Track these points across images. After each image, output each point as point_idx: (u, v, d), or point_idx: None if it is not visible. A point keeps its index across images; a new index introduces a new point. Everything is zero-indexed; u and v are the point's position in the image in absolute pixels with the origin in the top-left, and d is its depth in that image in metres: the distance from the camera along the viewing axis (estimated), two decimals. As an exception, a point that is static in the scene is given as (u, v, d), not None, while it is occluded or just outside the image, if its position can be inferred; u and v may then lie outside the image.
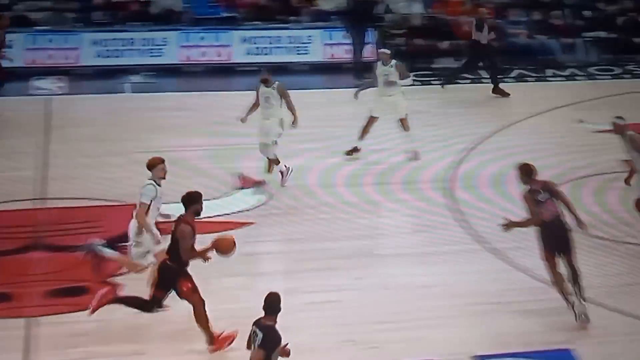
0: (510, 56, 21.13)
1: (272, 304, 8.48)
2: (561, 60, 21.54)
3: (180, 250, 10.13)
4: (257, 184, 14.49)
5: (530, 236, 12.64)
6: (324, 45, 21.46)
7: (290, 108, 14.47)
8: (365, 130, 15.72)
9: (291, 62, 20.90)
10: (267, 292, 8.60)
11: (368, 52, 20.86)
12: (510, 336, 10.82)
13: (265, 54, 21.03)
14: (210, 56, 21.05)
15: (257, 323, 8.55)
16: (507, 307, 11.45)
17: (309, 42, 21.42)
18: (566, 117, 17.74)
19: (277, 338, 8.43)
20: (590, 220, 13.10)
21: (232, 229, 12.85)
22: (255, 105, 14.57)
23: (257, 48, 21.16)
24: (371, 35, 21.26)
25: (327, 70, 21.07)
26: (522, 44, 21.40)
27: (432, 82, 20.08)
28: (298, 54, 21.24)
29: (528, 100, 18.70)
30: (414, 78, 20.08)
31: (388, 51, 16.18)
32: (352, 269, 12.34)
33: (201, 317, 10.25)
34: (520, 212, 13.41)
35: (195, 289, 10.23)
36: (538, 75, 20.78)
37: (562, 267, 11.01)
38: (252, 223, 13.58)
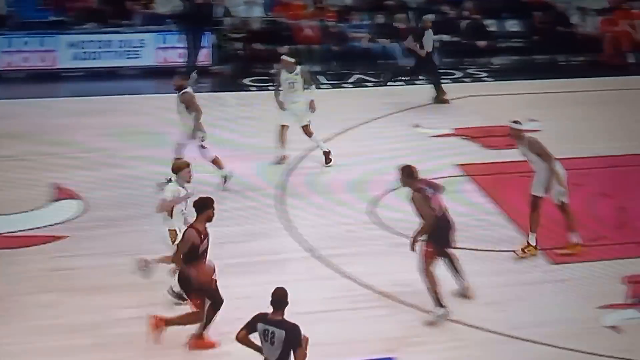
0: (349, 61, 21.15)
1: (281, 299, 8.62)
2: (402, 65, 21.62)
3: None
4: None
5: (355, 243, 12.62)
6: (157, 49, 21.11)
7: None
8: (282, 140, 15.67)
9: (121, 67, 20.45)
10: (274, 288, 8.72)
11: (203, 56, 20.57)
12: (334, 346, 10.66)
13: (94, 59, 20.60)
14: (34, 62, 20.49)
15: (266, 320, 8.60)
16: (331, 315, 11.31)
17: (141, 46, 21.05)
18: (404, 122, 17.80)
19: (300, 331, 8.59)
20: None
21: (42, 242, 12.29)
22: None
23: (85, 53, 20.67)
24: (207, 39, 20.97)
25: (159, 75, 20.64)
26: (363, 48, 21.36)
27: (270, 87, 19.79)
28: (128, 58, 20.82)
29: (366, 106, 18.64)
30: (250, 83, 20.05)
31: (292, 59, 16.08)
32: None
33: (189, 318, 10.41)
34: (346, 219, 13.43)
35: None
36: (377, 80, 20.86)
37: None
38: (65, 237, 13.02)
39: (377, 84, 20.66)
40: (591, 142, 16.97)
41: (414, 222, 13.72)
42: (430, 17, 20.04)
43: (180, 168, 11.45)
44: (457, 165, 15.60)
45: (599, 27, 23.21)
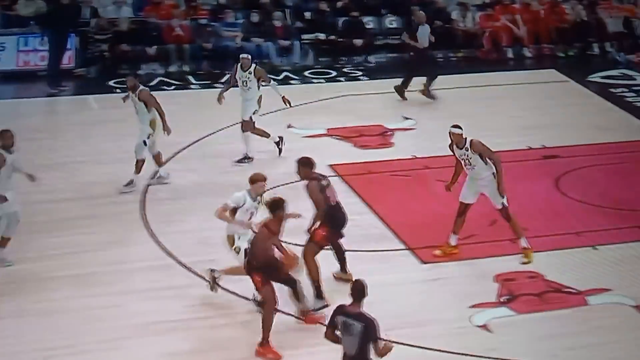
0: (221, 61, 21.02)
1: (360, 290, 8.81)
2: (276, 64, 21.63)
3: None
4: None
5: (216, 249, 12.48)
6: (18, 52, 20.64)
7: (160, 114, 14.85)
8: (261, 135, 16.18)
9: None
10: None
11: (66, 58, 20.20)
12: (194, 355, 10.59)
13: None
14: None
15: (345, 313, 8.79)
16: (186, 324, 11.20)
17: (1, 50, 20.55)
18: (278, 123, 17.61)
19: (377, 325, 8.73)
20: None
21: None
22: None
23: None
24: (72, 41, 20.58)
25: (19, 79, 20.28)
26: (236, 47, 21.25)
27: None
28: (-13, 61, 20.36)
29: (238, 106, 18.46)
30: (116, 85, 19.73)
31: (248, 56, 16.38)
32: (13, 295, 11.76)
33: (269, 314, 10.69)
34: (209, 224, 13.26)
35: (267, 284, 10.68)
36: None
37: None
38: None
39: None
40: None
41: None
42: (421, 13, 20.14)
43: (255, 180, 11.44)
44: (329, 165, 15.56)
45: (479, 22, 23.47)
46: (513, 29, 23.22)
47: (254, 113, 16.15)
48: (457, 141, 12.99)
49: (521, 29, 23.31)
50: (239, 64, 16.24)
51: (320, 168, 14.93)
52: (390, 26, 23.38)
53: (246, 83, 16.10)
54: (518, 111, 18.85)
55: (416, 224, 13.88)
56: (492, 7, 23.87)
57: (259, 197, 11.45)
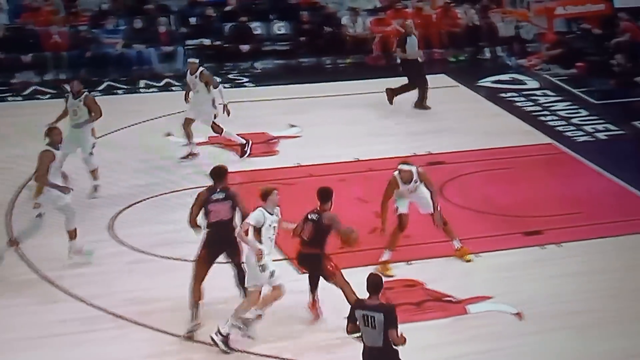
0: (101, 68, 20.92)
1: (376, 283, 9.23)
2: (158, 71, 21.56)
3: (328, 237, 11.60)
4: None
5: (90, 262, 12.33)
6: None
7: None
8: (187, 133, 16.47)
9: None
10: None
11: None
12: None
13: None
14: None
15: (364, 306, 9.12)
16: (59, 340, 11.11)
17: None
18: (157, 131, 17.64)
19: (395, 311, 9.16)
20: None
21: None
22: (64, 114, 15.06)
23: None
24: None
25: None
26: (116, 54, 21.04)
27: (9, 98, 19.32)
28: None
29: (116, 113, 18.24)
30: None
31: (196, 60, 16.77)
32: None
33: (351, 295, 11.25)
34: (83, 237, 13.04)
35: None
36: (129, 87, 20.67)
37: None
38: None
39: (128, 91, 20.40)
40: (354, 145, 17.25)
41: (153, 236, 13.64)
42: (410, 22, 20.30)
43: (268, 193, 11.41)
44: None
45: (370, 27, 23.60)
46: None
47: (214, 117, 16.43)
48: (406, 179, 13.07)
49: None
50: (188, 69, 16.55)
51: (201, 178, 15.09)
52: (279, 32, 23.40)
53: (195, 86, 16.34)
54: (406, 117, 19.04)
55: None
56: (384, 11, 24.03)
57: (276, 209, 11.44)
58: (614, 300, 12.39)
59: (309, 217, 11.69)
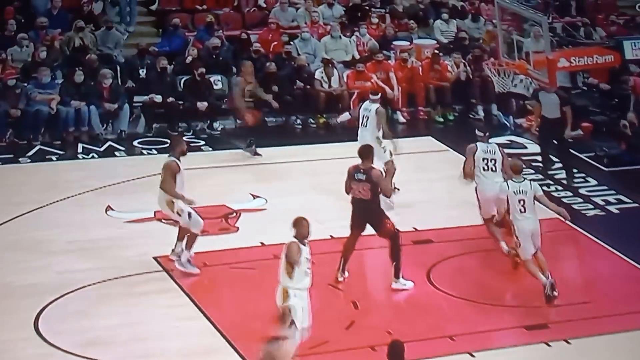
0: (31, 129, 20.51)
1: (400, 353, 10.31)
2: (98, 132, 21.07)
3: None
4: None
5: None
6: None
7: None
8: None
9: None
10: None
11: None
12: None
13: None
14: None
15: None
16: None
17: None
18: (96, 204, 17.18)
19: None
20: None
21: None
22: None
23: None
24: None
25: None
26: (49, 113, 20.63)
27: None
28: None
29: (49, 183, 17.92)
30: None
31: None
32: None
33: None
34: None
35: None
36: (63, 152, 20.23)
37: None
38: None
39: (63, 157, 19.94)
40: (327, 220, 16.51)
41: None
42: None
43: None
44: (154, 257, 15.11)
45: (346, 82, 23.18)
46: (386, 89, 22.96)
47: None
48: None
49: (395, 89, 23.14)
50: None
51: (141, 263, 14.74)
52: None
53: None
54: (387, 187, 18.52)
55: (258, 329, 13.14)
56: (363, 63, 23.61)
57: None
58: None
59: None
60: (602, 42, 24.96)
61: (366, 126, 17.67)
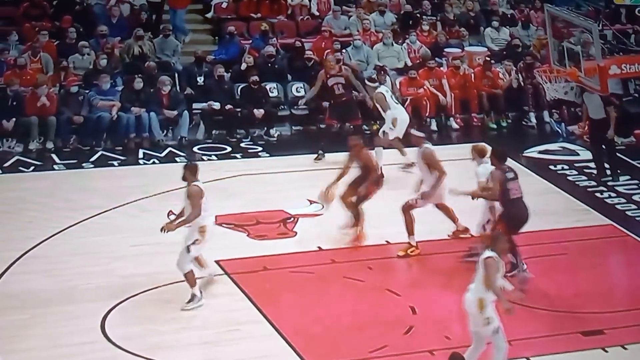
0: (93, 136, 20.69)
1: None
2: (159, 138, 21.15)
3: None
4: None
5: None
6: None
7: None
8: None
9: None
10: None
11: None
12: None
13: None
14: None
15: None
16: None
17: None
18: (154, 209, 17.12)
19: None
20: None
21: None
22: None
23: None
24: None
25: None
26: (110, 120, 20.79)
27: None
28: None
29: (112, 188, 18.03)
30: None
31: None
32: None
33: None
34: None
35: None
36: (125, 157, 20.30)
37: None
38: None
39: (124, 163, 20.05)
40: (384, 226, 16.57)
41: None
42: None
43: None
44: (215, 261, 15.03)
45: (399, 89, 23.12)
46: (439, 96, 22.94)
47: None
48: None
49: (448, 96, 23.10)
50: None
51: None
52: (297, 94, 22.90)
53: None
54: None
55: (319, 334, 13.34)
56: (416, 70, 23.54)
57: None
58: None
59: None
60: (653, 49, 24.78)
61: None
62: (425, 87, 23.09)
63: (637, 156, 20.78)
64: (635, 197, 18.74)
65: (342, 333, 13.32)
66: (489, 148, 15.51)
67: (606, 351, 13.18)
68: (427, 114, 22.82)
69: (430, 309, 14.09)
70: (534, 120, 23.34)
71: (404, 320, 13.64)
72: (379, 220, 16.75)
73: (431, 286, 14.95)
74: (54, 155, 20.20)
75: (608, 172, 19.56)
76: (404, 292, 14.54)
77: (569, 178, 19.67)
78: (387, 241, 16.22)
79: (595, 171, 19.83)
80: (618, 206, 18.28)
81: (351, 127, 20.53)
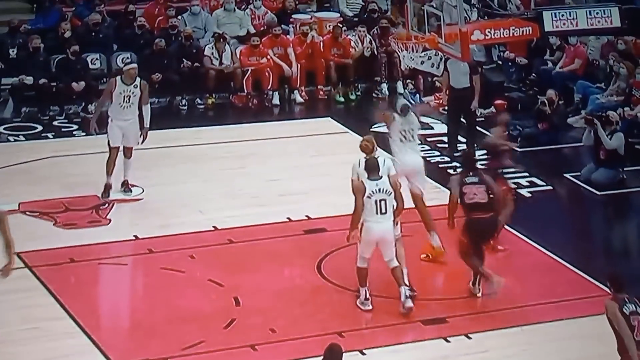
0: None
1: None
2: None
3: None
4: None
5: None
6: None
7: None
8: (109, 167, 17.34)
9: None
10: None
11: None
12: None
13: None
14: None
15: None
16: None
17: None
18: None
19: None
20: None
21: None
22: None
23: None
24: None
25: None
26: None
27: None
28: None
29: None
30: None
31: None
32: None
33: None
34: None
35: None
36: None
37: None
38: None
39: None
40: (210, 210, 16.90)
41: None
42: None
43: None
44: (16, 253, 14.44)
45: (240, 59, 23.12)
46: (283, 66, 23.00)
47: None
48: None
49: (293, 66, 23.18)
50: (120, 77, 17.39)
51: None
52: (121, 65, 22.73)
53: (129, 99, 17.26)
54: (279, 173, 18.62)
55: (127, 330, 13.54)
56: (259, 37, 23.53)
57: None
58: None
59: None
60: (520, 13, 25.13)
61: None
62: (268, 56, 23.15)
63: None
64: (490, 173, 19.07)
65: (154, 328, 13.41)
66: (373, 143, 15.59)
67: (448, 341, 13.51)
68: (269, 87, 22.86)
69: (256, 300, 14.23)
70: (386, 91, 23.47)
71: (225, 313, 13.77)
72: (207, 205, 16.91)
73: (259, 274, 15.04)
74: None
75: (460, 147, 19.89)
76: (228, 282, 14.63)
77: (422, 153, 19.85)
78: (214, 227, 16.30)
79: (447, 145, 20.23)
80: (472, 184, 18.57)
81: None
